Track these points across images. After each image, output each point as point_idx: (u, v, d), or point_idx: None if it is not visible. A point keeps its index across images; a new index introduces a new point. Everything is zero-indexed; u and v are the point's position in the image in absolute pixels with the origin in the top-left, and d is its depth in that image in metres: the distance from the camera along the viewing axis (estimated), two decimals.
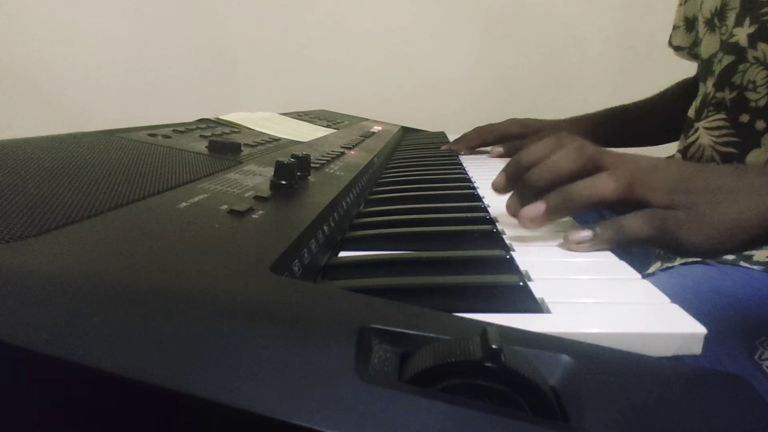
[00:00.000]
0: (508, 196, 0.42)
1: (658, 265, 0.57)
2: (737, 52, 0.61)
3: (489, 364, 0.15)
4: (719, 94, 0.64)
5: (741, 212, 0.35)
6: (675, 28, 0.84)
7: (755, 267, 0.51)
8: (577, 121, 0.91)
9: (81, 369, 0.14)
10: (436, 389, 0.16)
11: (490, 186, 0.44)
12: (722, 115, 0.63)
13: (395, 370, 0.17)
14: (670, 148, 0.88)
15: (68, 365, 0.14)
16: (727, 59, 0.62)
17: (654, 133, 0.94)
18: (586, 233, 0.35)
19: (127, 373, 0.14)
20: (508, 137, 0.89)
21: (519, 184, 0.40)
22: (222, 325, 0.16)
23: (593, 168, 0.38)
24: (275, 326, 0.17)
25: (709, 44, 0.69)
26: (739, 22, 0.61)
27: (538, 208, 0.36)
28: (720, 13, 0.66)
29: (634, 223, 0.35)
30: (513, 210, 0.40)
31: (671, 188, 0.36)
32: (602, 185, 0.36)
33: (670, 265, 0.55)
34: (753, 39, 0.59)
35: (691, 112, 0.69)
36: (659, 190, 0.36)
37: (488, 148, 0.90)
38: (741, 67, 0.60)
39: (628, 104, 0.92)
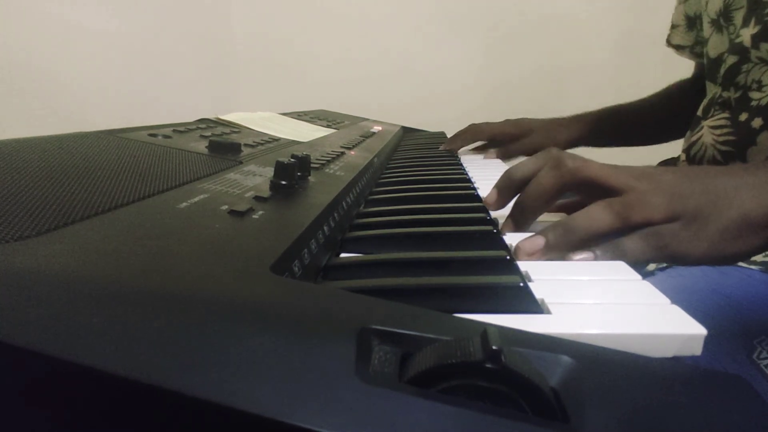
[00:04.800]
0: None
1: None
2: (741, 52, 0.61)
3: (489, 365, 0.15)
4: (725, 94, 0.64)
5: (743, 212, 0.34)
6: (674, 26, 0.84)
7: (753, 267, 0.51)
8: (568, 122, 0.91)
9: (81, 369, 0.14)
10: (436, 390, 0.16)
11: (490, 188, 0.44)
12: (726, 114, 0.63)
13: (395, 370, 0.17)
14: (665, 149, 0.88)
15: (68, 365, 0.14)
16: (732, 59, 0.62)
17: (648, 134, 0.94)
18: (587, 254, 0.34)
19: (127, 374, 0.14)
20: (502, 137, 0.89)
21: (514, 208, 0.40)
22: (222, 326, 0.16)
23: (581, 183, 0.37)
24: (275, 327, 0.17)
25: (716, 44, 0.69)
26: (745, 23, 0.61)
27: (536, 242, 0.35)
28: (725, 14, 0.66)
29: (633, 245, 0.34)
30: (507, 232, 0.39)
31: (667, 200, 0.34)
32: (599, 218, 0.35)
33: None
34: (756, 39, 0.59)
35: (699, 111, 0.69)
36: (655, 206, 0.34)
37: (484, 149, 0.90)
38: (745, 67, 0.60)
39: (623, 104, 0.92)
